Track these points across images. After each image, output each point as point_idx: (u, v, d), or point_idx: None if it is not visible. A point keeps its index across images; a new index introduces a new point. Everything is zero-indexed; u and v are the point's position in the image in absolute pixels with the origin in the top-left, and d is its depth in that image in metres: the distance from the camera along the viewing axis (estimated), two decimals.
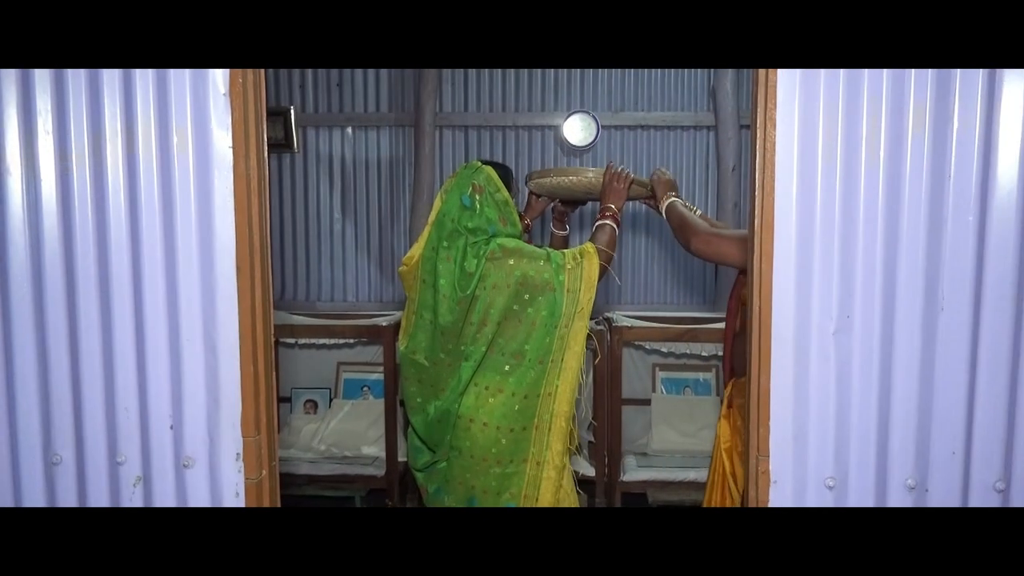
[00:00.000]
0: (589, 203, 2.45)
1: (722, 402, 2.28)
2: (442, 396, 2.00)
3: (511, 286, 1.95)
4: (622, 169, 2.17)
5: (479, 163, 2.06)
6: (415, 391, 2.05)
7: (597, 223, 2.12)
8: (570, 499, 2.08)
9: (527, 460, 1.97)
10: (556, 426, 1.98)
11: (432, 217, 2.03)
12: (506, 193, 2.04)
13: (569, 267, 1.98)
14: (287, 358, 3.85)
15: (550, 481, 1.99)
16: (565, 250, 2.06)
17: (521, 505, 1.98)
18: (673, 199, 2.18)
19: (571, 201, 2.42)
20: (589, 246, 2.03)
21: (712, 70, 4.07)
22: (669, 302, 4.31)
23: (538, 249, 2.04)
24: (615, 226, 2.12)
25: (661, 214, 2.21)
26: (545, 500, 1.99)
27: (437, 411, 2.00)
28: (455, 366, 1.99)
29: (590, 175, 2.22)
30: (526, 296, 1.95)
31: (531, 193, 2.41)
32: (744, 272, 2.08)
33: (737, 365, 2.22)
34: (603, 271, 2.04)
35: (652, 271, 4.30)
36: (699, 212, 2.37)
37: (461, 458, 2.00)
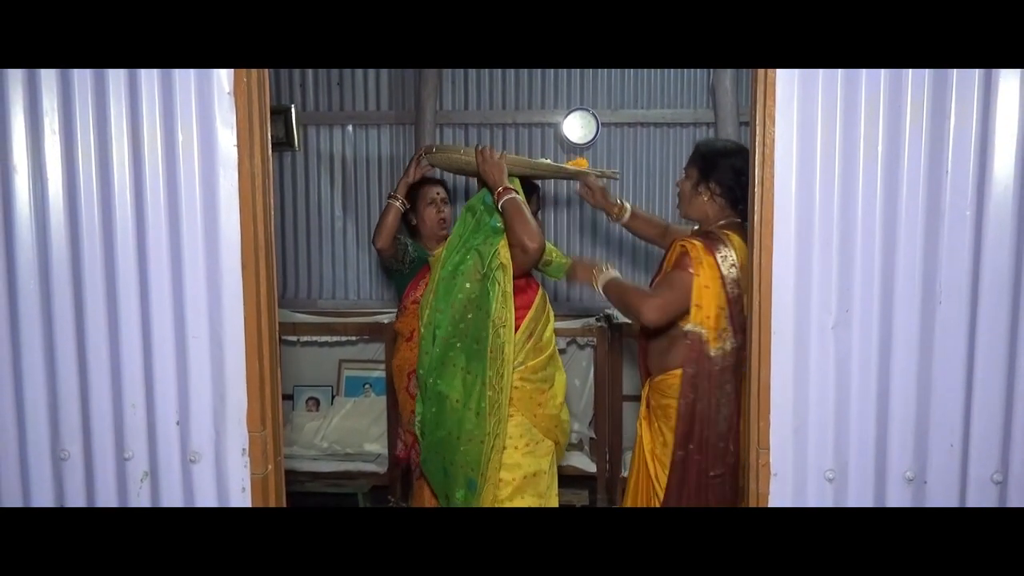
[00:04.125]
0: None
1: (641, 403, 2.30)
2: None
3: (479, 273, 2.14)
4: (486, 148, 2.20)
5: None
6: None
7: (500, 206, 2.14)
8: (515, 490, 2.21)
9: (483, 441, 2.15)
10: (503, 414, 2.16)
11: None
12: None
13: (501, 265, 2.14)
14: (289, 356, 3.86)
15: (497, 459, 2.17)
16: (509, 247, 2.16)
17: (477, 480, 2.17)
18: (610, 276, 2.16)
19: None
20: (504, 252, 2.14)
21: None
22: None
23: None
24: (515, 198, 2.12)
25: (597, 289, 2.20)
26: (492, 481, 2.17)
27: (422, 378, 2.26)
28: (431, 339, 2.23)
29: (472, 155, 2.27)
30: (487, 286, 2.14)
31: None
32: (658, 272, 2.11)
33: (652, 365, 2.20)
34: (530, 258, 2.12)
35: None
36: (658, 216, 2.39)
37: (438, 430, 2.21)
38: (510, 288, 2.15)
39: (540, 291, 2.32)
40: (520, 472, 2.24)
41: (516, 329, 2.21)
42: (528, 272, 2.27)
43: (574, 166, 2.41)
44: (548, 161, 2.43)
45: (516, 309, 2.22)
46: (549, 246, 2.26)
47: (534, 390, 2.26)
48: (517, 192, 2.16)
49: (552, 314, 2.39)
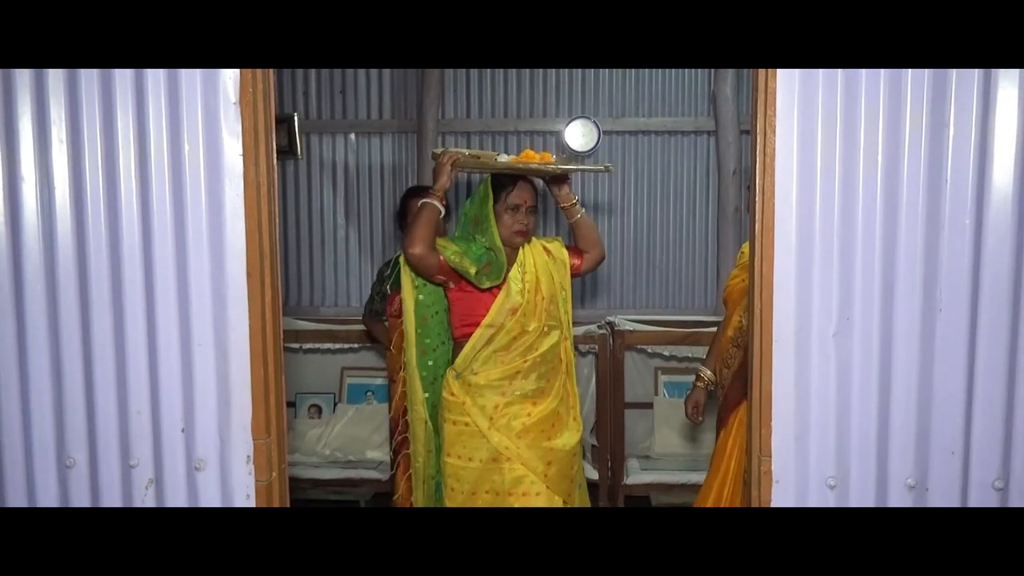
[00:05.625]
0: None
1: (723, 425, 2.31)
2: None
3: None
4: (446, 152, 2.18)
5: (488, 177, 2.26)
6: None
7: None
8: (464, 502, 2.22)
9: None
10: (414, 416, 2.35)
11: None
12: (485, 204, 2.18)
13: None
14: (291, 363, 3.86)
15: (437, 462, 2.31)
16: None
17: (445, 488, 2.26)
18: (437, 203, 2.22)
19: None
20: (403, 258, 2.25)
21: (712, 75, 4.09)
22: (671, 306, 4.33)
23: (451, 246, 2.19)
24: (426, 203, 2.11)
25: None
26: (445, 485, 2.24)
27: None
28: None
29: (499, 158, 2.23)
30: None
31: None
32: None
33: None
34: (411, 263, 2.20)
35: (653, 275, 4.32)
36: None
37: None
38: (410, 297, 2.28)
39: (501, 303, 2.17)
40: (468, 486, 2.16)
41: (468, 336, 2.17)
42: (453, 278, 2.19)
43: (539, 160, 2.20)
44: (510, 158, 2.24)
45: (468, 316, 2.19)
46: (461, 260, 2.12)
47: (484, 401, 2.16)
48: (438, 203, 2.11)
49: (538, 331, 2.20)
